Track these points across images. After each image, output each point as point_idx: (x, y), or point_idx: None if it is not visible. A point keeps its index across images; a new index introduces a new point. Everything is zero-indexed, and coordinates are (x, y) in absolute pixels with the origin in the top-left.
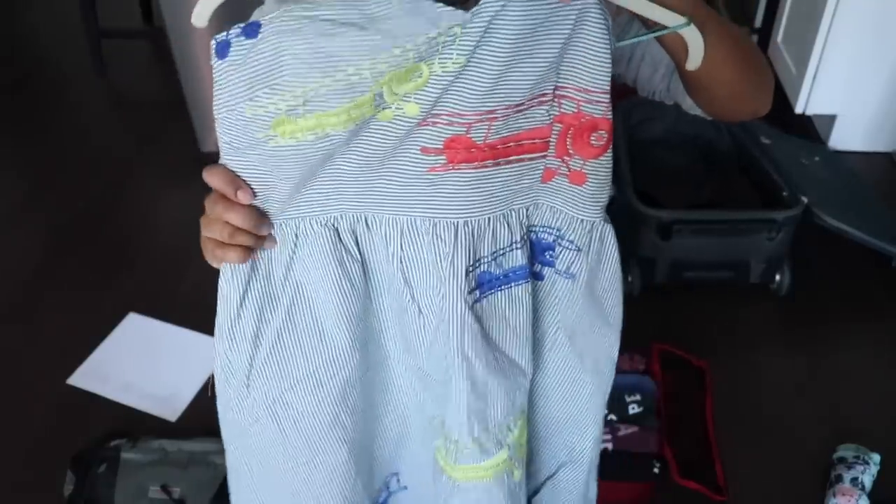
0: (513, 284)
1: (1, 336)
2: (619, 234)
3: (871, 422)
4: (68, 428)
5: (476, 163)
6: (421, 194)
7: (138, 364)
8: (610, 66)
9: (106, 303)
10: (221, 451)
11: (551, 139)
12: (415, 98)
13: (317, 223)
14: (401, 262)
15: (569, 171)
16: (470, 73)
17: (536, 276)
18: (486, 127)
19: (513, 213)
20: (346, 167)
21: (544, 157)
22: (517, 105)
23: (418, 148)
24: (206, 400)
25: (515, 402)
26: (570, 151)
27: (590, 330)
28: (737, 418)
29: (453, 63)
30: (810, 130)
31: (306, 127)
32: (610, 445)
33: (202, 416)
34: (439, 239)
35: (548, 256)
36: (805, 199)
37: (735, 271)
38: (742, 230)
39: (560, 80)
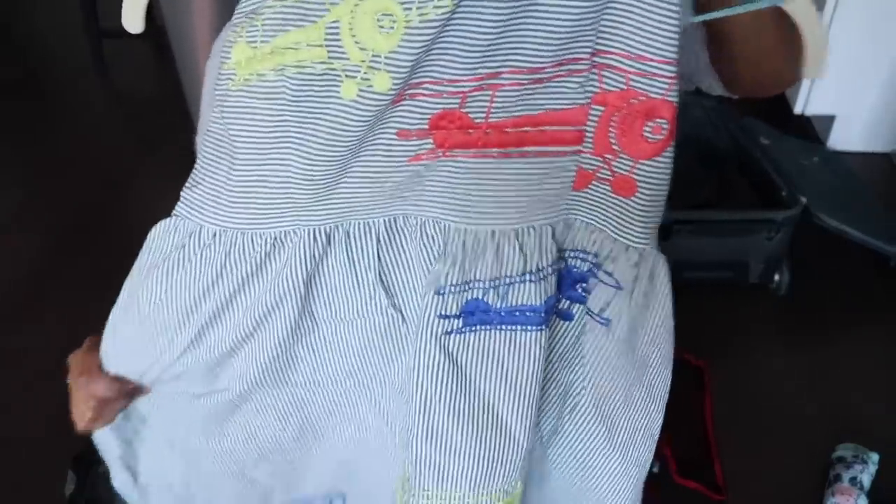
0: (518, 328)
1: (2, 336)
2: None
3: (869, 421)
4: (69, 427)
5: (474, 149)
6: (401, 192)
7: None
8: (677, 21)
9: (107, 303)
10: None
11: (588, 127)
12: (385, 63)
13: (256, 240)
14: (379, 275)
15: (612, 174)
16: (461, 18)
17: (563, 315)
18: (488, 99)
19: (531, 231)
20: (296, 164)
21: (577, 152)
22: (534, 71)
23: (394, 132)
24: None
25: (495, 476)
26: (615, 147)
27: (624, 399)
28: (736, 418)
29: (436, 6)
30: (809, 131)
31: (266, 59)
32: None
33: None
34: (429, 238)
35: (579, 290)
36: (804, 200)
37: (734, 271)
38: (741, 230)
39: (601, 40)
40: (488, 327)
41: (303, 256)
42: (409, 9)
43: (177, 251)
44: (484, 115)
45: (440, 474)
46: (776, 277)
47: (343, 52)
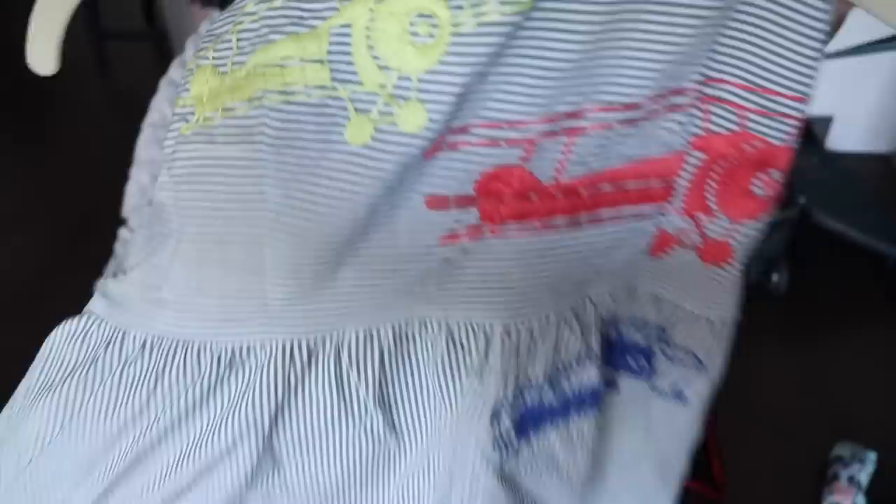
0: (573, 416)
1: (4, 336)
2: None
3: (867, 420)
4: None
5: (536, 222)
6: (422, 287)
7: None
8: (822, 44)
9: None
10: None
11: (680, 179)
12: (419, 91)
13: (204, 355)
14: (379, 399)
15: (702, 239)
16: (538, 28)
17: (609, 386)
18: (563, 149)
19: (588, 304)
20: (274, 246)
21: (661, 211)
22: (629, 107)
23: (420, 198)
24: None
25: None
26: (712, 205)
27: (660, 478)
28: (734, 417)
29: (504, 2)
30: (807, 132)
31: (238, 87)
32: None
33: None
34: (459, 348)
35: (631, 362)
36: (802, 200)
37: None
38: None
39: (714, 64)
40: (541, 428)
41: (271, 381)
42: (460, 7)
43: (84, 368)
44: (554, 172)
45: None
46: (774, 278)
47: (353, 73)
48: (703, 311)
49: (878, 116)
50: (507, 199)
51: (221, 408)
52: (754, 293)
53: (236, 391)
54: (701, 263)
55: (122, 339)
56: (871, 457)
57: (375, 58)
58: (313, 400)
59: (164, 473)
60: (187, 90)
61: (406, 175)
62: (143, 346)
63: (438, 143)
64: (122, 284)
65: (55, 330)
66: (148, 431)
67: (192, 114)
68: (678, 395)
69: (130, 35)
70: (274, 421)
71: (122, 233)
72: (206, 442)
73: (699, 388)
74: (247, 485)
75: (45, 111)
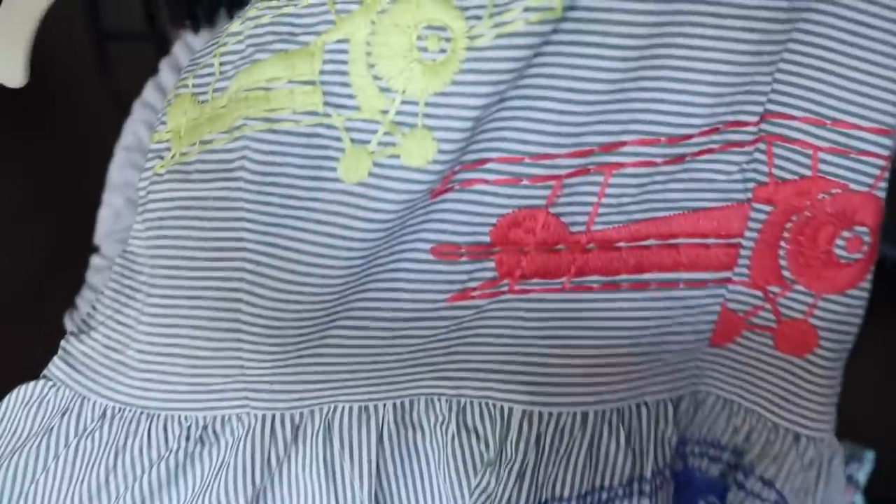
0: None
1: (5, 336)
2: None
3: (865, 420)
4: None
5: (563, 279)
6: (428, 356)
7: None
8: None
9: None
10: None
11: (745, 241)
12: (426, 116)
13: (172, 428)
14: (376, 492)
15: (777, 319)
16: (569, 43)
17: None
18: (597, 190)
19: (643, 411)
20: (253, 302)
21: (724, 282)
22: (675, 141)
23: (426, 248)
24: None
25: None
26: (786, 274)
27: None
28: None
29: (531, 8)
30: None
31: (218, 117)
32: None
33: None
34: (470, 433)
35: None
36: None
37: None
38: None
39: (777, 96)
40: None
41: (248, 460)
42: (478, 17)
43: (37, 439)
44: (586, 219)
45: None
46: None
47: (349, 97)
48: (786, 422)
49: None
50: (529, 249)
51: (191, 491)
52: None
53: (208, 471)
54: (778, 354)
55: (81, 407)
56: (869, 456)
57: (376, 78)
58: (298, 489)
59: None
60: (164, 123)
61: (410, 218)
62: (103, 415)
63: (448, 180)
64: (84, 345)
65: (9, 395)
66: None
67: (168, 150)
68: None
69: (131, 35)
70: (255, 498)
71: (94, 260)
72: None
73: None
74: None
75: (45, 111)
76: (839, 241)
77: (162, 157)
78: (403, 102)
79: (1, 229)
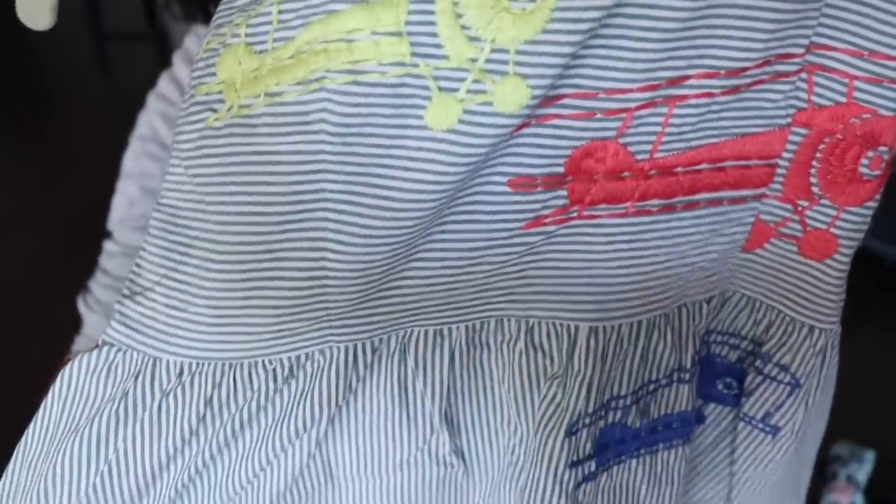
0: (661, 446)
1: (6, 335)
2: None
3: (865, 419)
4: None
5: (628, 203)
6: (500, 280)
7: None
8: None
9: None
10: None
11: (781, 160)
12: (517, 64)
13: (256, 373)
14: (446, 410)
15: (803, 229)
16: None
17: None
18: (661, 121)
19: (683, 312)
20: (338, 248)
21: (760, 197)
22: (734, 73)
23: (502, 182)
24: None
25: None
26: (815, 190)
27: None
28: None
29: None
30: None
31: (285, 69)
32: None
33: None
34: (537, 350)
35: (722, 388)
36: None
37: None
38: None
39: (821, 29)
40: (622, 458)
41: (331, 385)
42: None
43: (113, 405)
44: (650, 147)
45: None
46: None
47: (437, 47)
48: (802, 317)
49: None
50: (599, 178)
51: (273, 419)
52: None
53: (289, 401)
54: (801, 259)
55: (154, 368)
56: (870, 456)
57: (464, 28)
58: (373, 405)
59: (207, 498)
60: (212, 74)
61: (492, 155)
62: (181, 373)
63: (527, 118)
64: (142, 306)
65: (69, 366)
66: (193, 461)
67: (222, 102)
68: (770, 427)
69: (131, 35)
70: (331, 428)
71: (108, 245)
72: (253, 456)
73: (792, 415)
74: (291, 484)
75: (45, 111)
76: (864, 161)
77: (214, 110)
78: (493, 51)
79: (1, 229)
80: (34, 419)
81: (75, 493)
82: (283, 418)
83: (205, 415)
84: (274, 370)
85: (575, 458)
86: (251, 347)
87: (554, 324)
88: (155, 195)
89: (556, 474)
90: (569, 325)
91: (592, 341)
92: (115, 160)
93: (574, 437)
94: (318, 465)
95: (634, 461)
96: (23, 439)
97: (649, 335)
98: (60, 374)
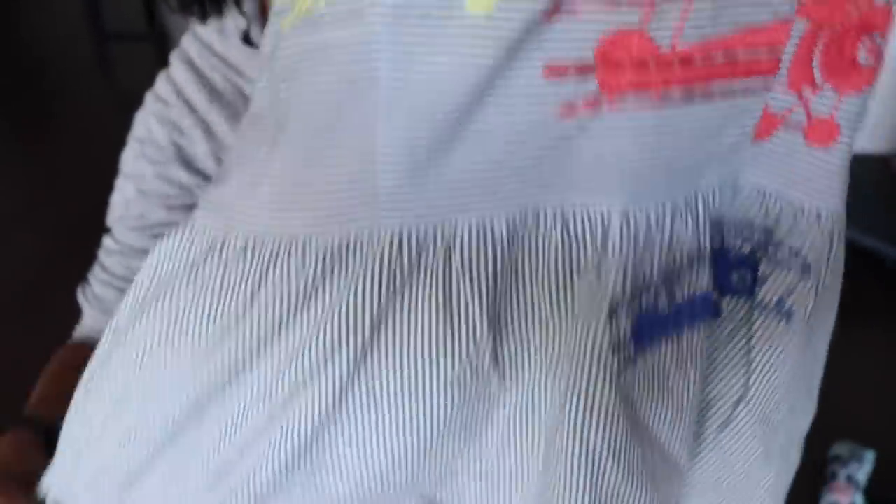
0: (685, 328)
1: (6, 335)
2: None
3: (865, 419)
4: None
5: (654, 94)
6: (539, 170)
7: None
8: None
9: None
10: None
11: (785, 51)
12: None
13: (308, 253)
14: (489, 308)
15: (808, 117)
16: None
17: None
18: (681, 11)
19: (700, 199)
20: (388, 130)
21: (768, 87)
22: None
23: (538, 68)
24: None
25: None
26: (818, 78)
27: (790, 409)
28: None
29: None
30: None
31: None
32: None
33: None
34: (574, 238)
35: (736, 280)
36: None
37: None
38: None
39: None
40: (656, 341)
41: (377, 275)
42: None
43: (185, 278)
44: (671, 38)
45: None
46: None
47: None
48: (809, 202)
49: (878, 117)
50: (626, 67)
51: (322, 309)
52: None
53: (339, 287)
54: (806, 146)
55: (223, 244)
56: (870, 456)
57: None
58: (417, 325)
59: (260, 389)
60: None
61: (526, 42)
62: (244, 248)
63: (557, 6)
64: (220, 189)
65: (158, 247)
66: (248, 338)
67: (291, 9)
68: (784, 311)
69: (132, 36)
70: (375, 349)
71: (107, 242)
72: (297, 364)
73: (804, 299)
74: (335, 406)
75: (46, 111)
76: (862, 48)
77: (285, 15)
78: None
79: (1, 229)
80: (125, 297)
81: (143, 362)
82: (330, 317)
83: (259, 289)
84: (324, 252)
85: (616, 341)
86: (306, 224)
87: (588, 212)
88: (150, 198)
89: (599, 358)
90: (602, 214)
91: (625, 228)
92: (115, 160)
93: (614, 320)
94: (361, 389)
95: (663, 344)
96: (114, 317)
97: (673, 220)
98: (151, 253)
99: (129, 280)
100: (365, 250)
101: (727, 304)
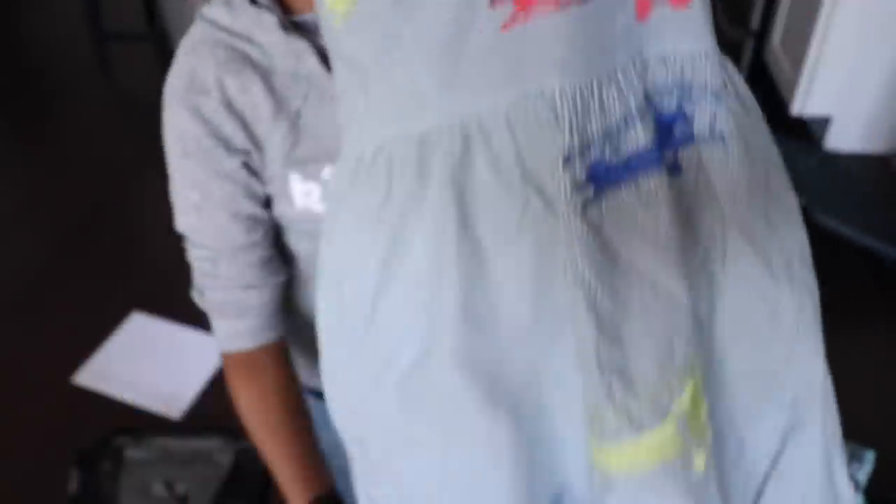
0: (640, 176)
1: (6, 335)
2: None
3: (865, 419)
4: (73, 426)
5: (551, 4)
6: (519, 61)
7: (142, 363)
8: None
9: (110, 302)
10: (224, 449)
11: None
12: None
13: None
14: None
15: None
16: None
17: (673, 170)
18: None
19: (617, 72)
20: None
21: None
22: None
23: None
24: (209, 398)
25: (675, 351)
26: None
27: (766, 221)
28: None
29: None
30: (806, 132)
31: None
32: None
33: (205, 413)
34: (550, 110)
35: (678, 132)
36: (800, 200)
37: None
38: None
39: None
40: (614, 187)
41: (452, 161)
42: None
43: (347, 179)
44: None
45: (622, 373)
46: None
47: None
48: (694, 48)
49: (877, 117)
50: None
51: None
52: None
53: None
54: (673, 11)
55: (362, 154)
56: (870, 456)
57: None
58: (482, 181)
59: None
60: None
61: None
62: (374, 154)
63: None
64: (361, 102)
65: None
66: (387, 229)
67: None
68: (717, 135)
69: (131, 35)
70: (461, 203)
71: (198, 252)
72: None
73: (726, 118)
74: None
75: (46, 111)
76: None
77: None
78: None
79: (1, 229)
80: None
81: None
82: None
83: (389, 188)
84: (413, 146)
85: (576, 183)
86: (399, 114)
87: (547, 91)
88: (213, 198)
89: (566, 199)
90: (543, 92)
91: (570, 98)
92: (114, 159)
93: (569, 165)
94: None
95: (622, 190)
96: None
97: (600, 90)
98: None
99: (239, 281)
100: (439, 144)
101: (684, 158)
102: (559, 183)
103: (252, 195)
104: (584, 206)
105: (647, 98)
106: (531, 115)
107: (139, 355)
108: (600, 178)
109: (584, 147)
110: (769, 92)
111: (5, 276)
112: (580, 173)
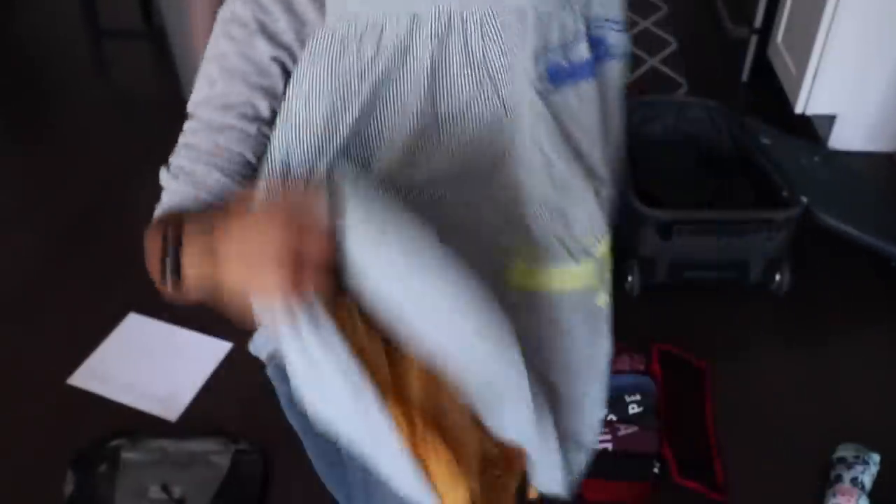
0: (580, 80)
1: (2, 336)
2: (620, 234)
3: (870, 421)
4: (69, 428)
5: None
6: None
7: (138, 364)
8: None
9: (106, 303)
10: (221, 451)
11: None
12: None
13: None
14: (484, 56)
15: None
16: None
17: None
18: None
19: (568, 3)
20: None
21: None
22: None
23: None
24: (205, 400)
25: (598, 214)
26: None
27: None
28: (736, 418)
29: None
30: (810, 131)
31: None
32: (610, 445)
33: (202, 415)
34: (515, 23)
35: (601, 51)
36: (805, 200)
37: (735, 271)
38: (742, 230)
39: None
40: (563, 85)
41: (432, 36)
42: None
43: (332, 54)
44: None
45: (564, 219)
46: (777, 277)
47: None
48: None
49: (881, 115)
50: None
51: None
52: (757, 294)
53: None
54: None
55: (348, 31)
56: (875, 458)
57: None
58: (452, 58)
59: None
60: None
61: None
62: (367, 25)
63: None
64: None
65: (314, 37)
66: (373, 78)
67: None
68: (612, 53)
69: (128, 34)
70: (433, 72)
71: (190, 124)
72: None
73: (618, 41)
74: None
75: (43, 110)
76: None
77: None
78: None
79: (1, 229)
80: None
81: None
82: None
83: (376, 55)
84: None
85: (541, 73)
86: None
87: (520, 9)
88: (233, 76)
89: (533, 83)
90: (522, 7)
91: (534, 15)
92: (112, 157)
93: (536, 62)
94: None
95: (569, 89)
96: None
97: (561, 12)
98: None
99: (215, 154)
100: (426, 22)
101: (607, 67)
102: (527, 70)
103: (273, 96)
104: (546, 94)
105: (587, 24)
106: (497, 24)
107: (136, 357)
108: (555, 76)
109: (546, 49)
110: (773, 90)
111: (5, 276)
112: (542, 68)
